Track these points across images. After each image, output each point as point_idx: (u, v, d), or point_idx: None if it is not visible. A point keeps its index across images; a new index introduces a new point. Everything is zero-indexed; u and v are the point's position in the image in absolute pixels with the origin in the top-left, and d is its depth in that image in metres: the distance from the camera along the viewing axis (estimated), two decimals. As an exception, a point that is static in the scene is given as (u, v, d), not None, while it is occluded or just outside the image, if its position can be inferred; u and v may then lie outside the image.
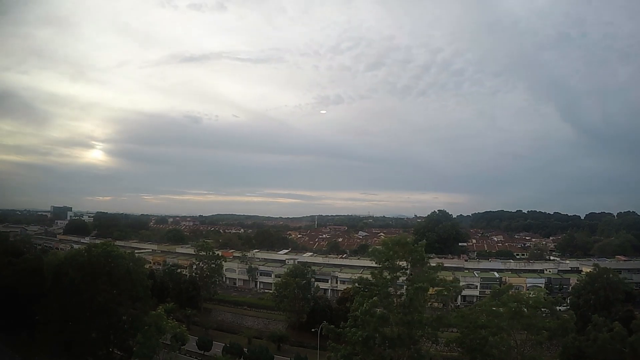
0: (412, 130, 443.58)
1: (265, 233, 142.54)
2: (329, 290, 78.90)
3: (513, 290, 38.06)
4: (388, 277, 32.95)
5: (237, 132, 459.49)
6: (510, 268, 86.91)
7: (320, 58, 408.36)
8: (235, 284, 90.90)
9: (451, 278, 55.91)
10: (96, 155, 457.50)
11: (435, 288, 33.22)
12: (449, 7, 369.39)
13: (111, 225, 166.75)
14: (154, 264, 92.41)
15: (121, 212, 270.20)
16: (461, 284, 56.11)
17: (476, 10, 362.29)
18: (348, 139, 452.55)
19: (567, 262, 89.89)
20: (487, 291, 65.40)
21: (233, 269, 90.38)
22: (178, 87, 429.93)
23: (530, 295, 37.72)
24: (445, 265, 51.92)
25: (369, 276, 34.63)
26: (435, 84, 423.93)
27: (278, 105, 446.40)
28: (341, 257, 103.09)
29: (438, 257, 75.46)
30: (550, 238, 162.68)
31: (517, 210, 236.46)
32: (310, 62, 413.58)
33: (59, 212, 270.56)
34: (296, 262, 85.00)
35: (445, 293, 33.48)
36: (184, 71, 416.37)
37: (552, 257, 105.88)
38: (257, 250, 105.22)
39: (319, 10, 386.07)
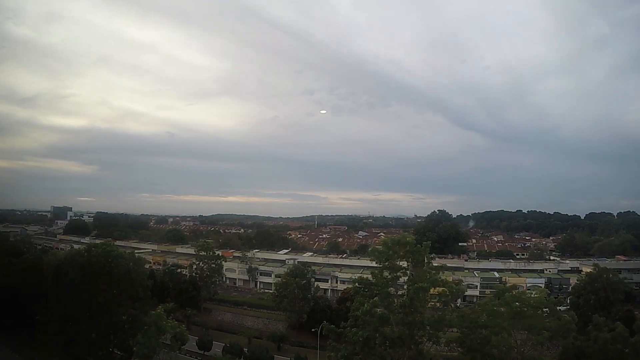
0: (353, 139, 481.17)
1: (265, 233, 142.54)
2: (329, 290, 78.87)
3: (515, 290, 37.95)
4: (388, 277, 32.90)
5: (214, 143, 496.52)
6: (510, 268, 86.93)
7: (257, 91, 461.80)
8: (235, 284, 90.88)
9: (451, 278, 56.01)
10: (95, 161, 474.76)
11: (438, 289, 33.14)
12: (333, 51, 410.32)
13: (111, 225, 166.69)
14: (154, 264, 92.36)
15: (121, 212, 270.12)
16: (462, 284, 56.04)
17: (364, 48, 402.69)
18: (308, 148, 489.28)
19: (567, 262, 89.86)
20: (487, 291, 65.54)
21: (233, 269, 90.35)
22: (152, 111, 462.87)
23: (532, 295, 37.71)
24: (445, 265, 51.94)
25: (369, 276, 34.54)
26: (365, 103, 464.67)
27: (244, 122, 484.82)
28: (341, 257, 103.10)
29: (438, 257, 75.47)
30: (550, 238, 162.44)
31: (517, 210, 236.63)
32: (256, 93, 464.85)
33: (59, 212, 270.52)
34: (296, 262, 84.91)
35: (448, 294, 33.36)
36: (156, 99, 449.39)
37: (552, 257, 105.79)
38: (257, 250, 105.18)
39: (239, 63, 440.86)
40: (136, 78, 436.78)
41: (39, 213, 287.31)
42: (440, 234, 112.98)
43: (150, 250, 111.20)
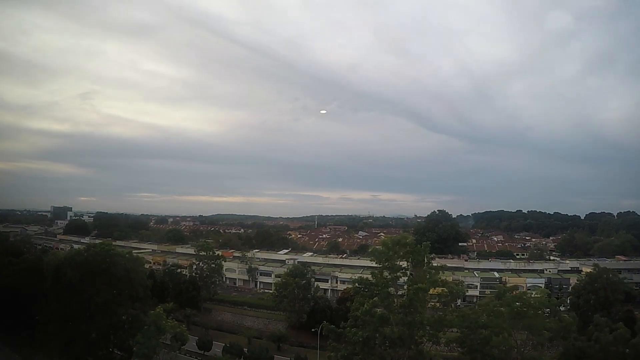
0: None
1: (265, 233, 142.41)
2: (329, 290, 78.81)
3: (516, 291, 37.97)
4: (388, 277, 32.89)
5: (206, 147, 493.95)
6: (510, 268, 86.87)
7: (239, 100, 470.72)
8: (235, 284, 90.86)
9: (451, 278, 55.94)
10: (92, 163, 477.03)
11: (438, 289, 33.13)
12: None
13: (111, 225, 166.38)
14: (154, 264, 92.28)
15: (121, 212, 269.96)
16: (463, 284, 56.09)
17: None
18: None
19: (567, 262, 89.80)
20: (488, 291, 65.59)
21: (233, 269, 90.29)
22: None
23: (533, 296, 37.70)
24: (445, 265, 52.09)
25: (369, 276, 34.53)
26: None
27: (231, 128, 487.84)
28: (341, 257, 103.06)
29: (438, 257, 75.42)
30: (550, 238, 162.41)
31: (517, 210, 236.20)
32: (237, 102, 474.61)
33: (59, 212, 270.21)
34: (296, 262, 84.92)
35: (448, 294, 33.35)
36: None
37: (552, 257, 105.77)
38: (257, 250, 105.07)
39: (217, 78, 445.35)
40: (117, 88, 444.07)
41: (39, 213, 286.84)
42: (440, 234, 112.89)
43: (150, 250, 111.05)
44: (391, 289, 32.87)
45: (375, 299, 31.29)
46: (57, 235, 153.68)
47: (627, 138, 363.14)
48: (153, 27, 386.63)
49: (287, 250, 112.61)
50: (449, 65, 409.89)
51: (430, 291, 32.43)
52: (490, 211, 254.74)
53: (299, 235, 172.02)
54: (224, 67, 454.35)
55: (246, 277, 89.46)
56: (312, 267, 72.35)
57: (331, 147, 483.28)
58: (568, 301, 56.12)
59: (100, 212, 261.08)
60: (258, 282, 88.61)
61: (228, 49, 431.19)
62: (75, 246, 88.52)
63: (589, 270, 63.08)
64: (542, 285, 64.23)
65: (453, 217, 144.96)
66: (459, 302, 53.44)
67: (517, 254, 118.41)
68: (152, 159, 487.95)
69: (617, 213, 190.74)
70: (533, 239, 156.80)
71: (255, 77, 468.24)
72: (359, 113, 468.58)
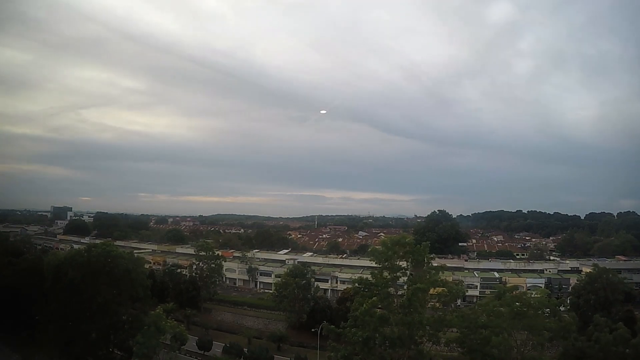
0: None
1: (265, 233, 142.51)
2: (329, 290, 78.82)
3: (516, 291, 37.98)
4: (388, 277, 32.90)
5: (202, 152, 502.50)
6: (510, 268, 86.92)
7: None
8: (235, 284, 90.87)
9: (451, 278, 55.90)
10: (89, 166, 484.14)
11: (438, 289, 33.14)
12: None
13: (111, 225, 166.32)
14: (154, 264, 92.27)
15: (121, 212, 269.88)
16: (462, 284, 56.02)
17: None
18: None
19: (567, 262, 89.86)
20: (487, 291, 65.60)
21: (233, 269, 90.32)
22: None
23: (533, 296, 37.70)
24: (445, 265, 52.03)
25: (369, 276, 34.56)
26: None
27: (212, 135, 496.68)
28: (341, 257, 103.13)
29: (438, 257, 75.41)
30: (550, 238, 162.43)
31: (517, 210, 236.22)
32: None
33: (59, 212, 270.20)
34: (296, 262, 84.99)
35: (448, 294, 33.36)
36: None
37: (552, 257, 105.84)
38: (257, 251, 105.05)
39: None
40: (94, 99, 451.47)
41: (39, 213, 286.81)
42: (440, 234, 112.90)
43: (150, 250, 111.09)
44: (391, 289, 32.91)
45: (374, 298, 31.29)
46: (57, 235, 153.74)
47: (607, 137, 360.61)
48: (114, 44, 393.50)
49: (287, 251, 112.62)
50: (399, 73, 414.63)
51: (430, 291, 32.46)
52: (490, 211, 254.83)
53: (299, 236, 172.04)
54: (181, 80, 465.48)
55: (246, 277, 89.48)
56: (312, 267, 72.25)
57: (324, 150, 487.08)
58: (568, 301, 56.06)
59: (100, 212, 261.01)
60: (258, 282, 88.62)
61: (177, 64, 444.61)
62: (76, 246, 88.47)
63: (589, 270, 63.10)
64: (542, 286, 64.26)
65: (453, 217, 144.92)
66: (458, 302, 53.56)
67: (517, 254, 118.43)
68: (150, 162, 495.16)
69: (617, 213, 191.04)
70: (533, 239, 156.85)
71: (213, 89, 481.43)
72: (336, 121, 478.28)
